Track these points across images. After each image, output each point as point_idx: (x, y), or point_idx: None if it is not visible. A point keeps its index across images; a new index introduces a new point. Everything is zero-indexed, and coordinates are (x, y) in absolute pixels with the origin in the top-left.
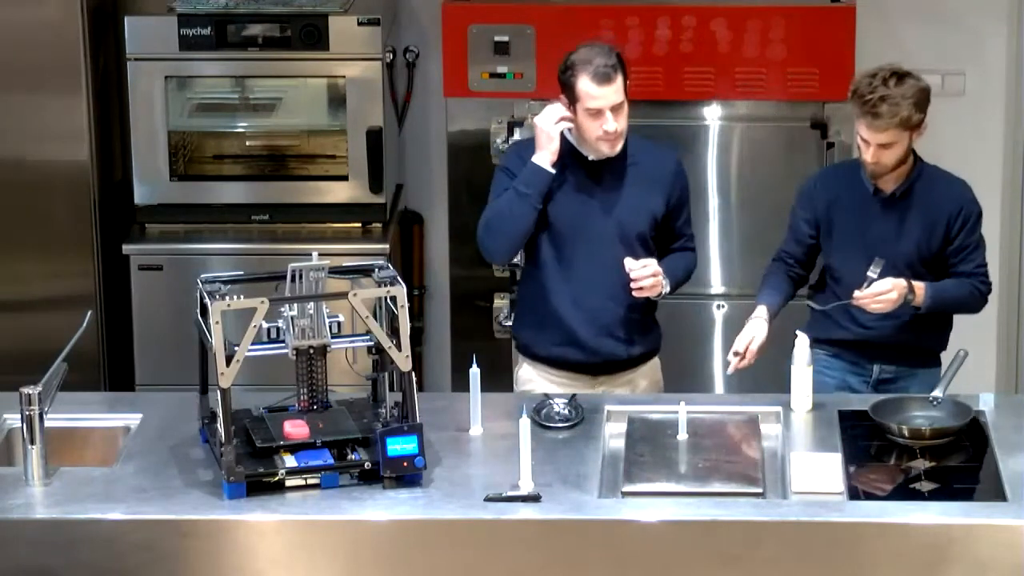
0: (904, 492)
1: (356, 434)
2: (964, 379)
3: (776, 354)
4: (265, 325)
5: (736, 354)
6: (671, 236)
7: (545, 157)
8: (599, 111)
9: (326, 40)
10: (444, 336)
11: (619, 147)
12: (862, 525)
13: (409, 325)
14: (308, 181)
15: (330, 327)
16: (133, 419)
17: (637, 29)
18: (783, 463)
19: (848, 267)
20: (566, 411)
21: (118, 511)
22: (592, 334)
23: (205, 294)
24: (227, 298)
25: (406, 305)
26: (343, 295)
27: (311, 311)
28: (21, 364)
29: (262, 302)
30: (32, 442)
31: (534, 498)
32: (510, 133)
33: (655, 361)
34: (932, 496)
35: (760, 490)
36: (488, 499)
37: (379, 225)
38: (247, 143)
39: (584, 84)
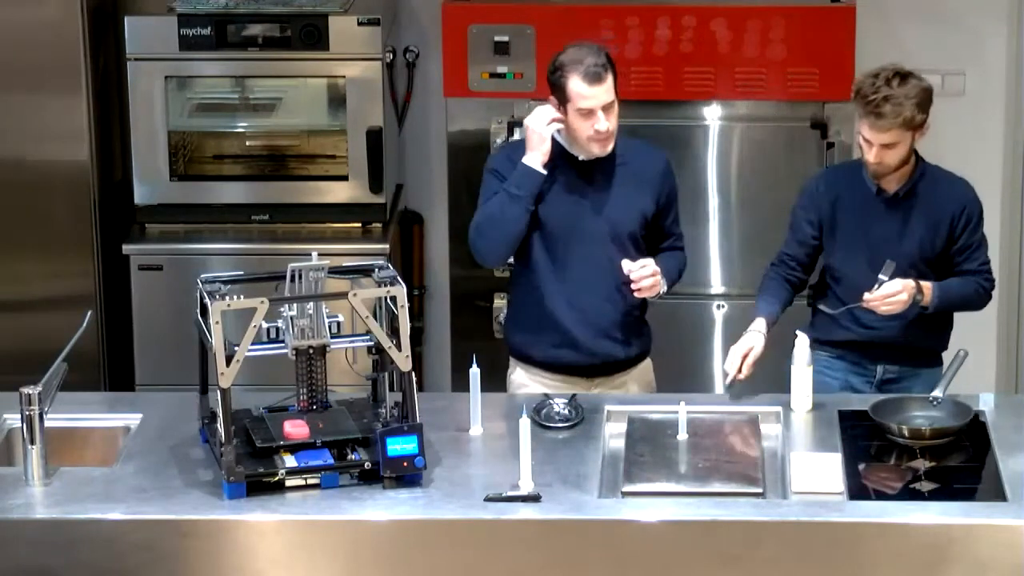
0: (904, 492)
1: (356, 434)
2: (964, 379)
3: (776, 354)
4: (265, 325)
5: (733, 367)
6: (661, 235)
7: (536, 158)
8: (590, 111)
9: (326, 40)
10: (444, 336)
11: (610, 147)
12: (862, 525)
13: (409, 325)
14: (308, 181)
15: (330, 327)
16: (133, 419)
17: (637, 29)
18: (783, 463)
19: (851, 268)
20: (566, 411)
21: (118, 511)
22: (589, 335)
23: (205, 294)
24: (227, 298)
25: (406, 305)
26: (343, 295)
27: (311, 311)
28: (21, 364)
29: (262, 302)
30: (32, 442)
31: (534, 498)
32: (510, 133)
33: (648, 362)
34: (932, 496)
35: (760, 490)
36: (488, 499)
37: (379, 225)
38: (247, 143)
39: (575, 84)
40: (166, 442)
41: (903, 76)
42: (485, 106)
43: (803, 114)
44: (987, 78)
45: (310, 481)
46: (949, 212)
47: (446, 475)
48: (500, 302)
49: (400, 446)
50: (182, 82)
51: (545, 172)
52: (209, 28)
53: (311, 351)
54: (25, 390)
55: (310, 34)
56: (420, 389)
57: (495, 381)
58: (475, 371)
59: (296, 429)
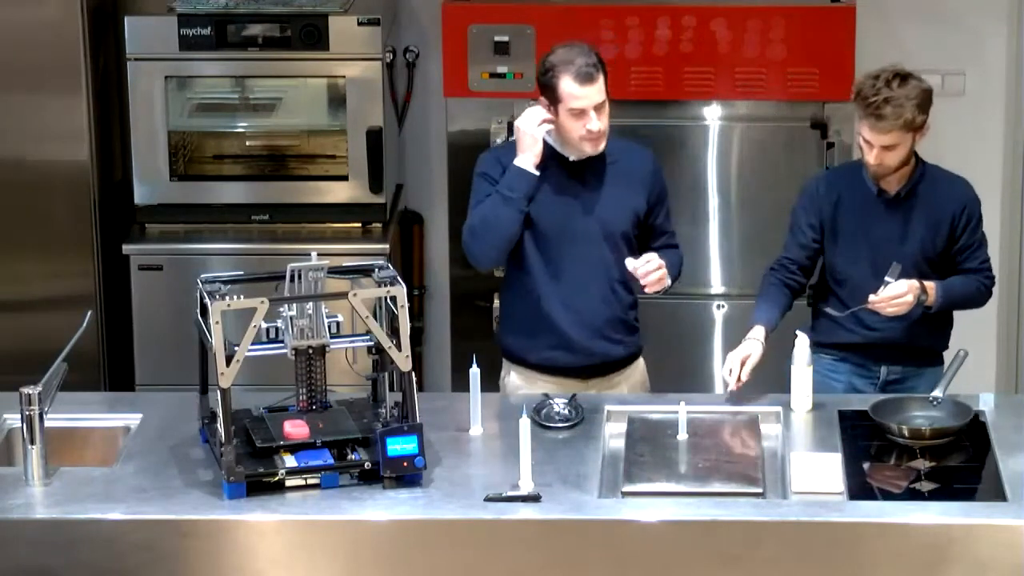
0: (904, 492)
1: (356, 434)
2: (964, 379)
3: (776, 354)
4: (264, 325)
5: (731, 373)
6: (654, 234)
7: (529, 159)
8: (582, 111)
9: (326, 40)
10: (444, 336)
11: (602, 146)
12: (862, 525)
13: (409, 325)
14: (308, 181)
15: (329, 327)
16: (133, 419)
17: (637, 29)
18: (783, 463)
19: (853, 270)
20: (566, 411)
21: (118, 511)
22: (585, 336)
23: (205, 294)
24: (227, 298)
25: (406, 305)
26: (343, 295)
27: (310, 311)
28: (21, 364)
29: (262, 302)
30: (32, 442)
31: (534, 498)
32: (510, 133)
33: (641, 362)
34: (932, 496)
35: (760, 490)
36: (488, 499)
37: (379, 225)
38: (247, 143)
39: (567, 84)
40: (166, 442)
41: (903, 77)
42: (485, 106)
43: (803, 114)
44: (987, 78)
45: (310, 481)
46: (950, 212)
47: (446, 475)
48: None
49: (400, 446)
50: (182, 82)
51: (538, 173)
52: (209, 28)
53: (310, 351)
54: (25, 390)
55: (310, 34)
56: (420, 389)
57: (495, 381)
58: (475, 371)
59: (296, 429)
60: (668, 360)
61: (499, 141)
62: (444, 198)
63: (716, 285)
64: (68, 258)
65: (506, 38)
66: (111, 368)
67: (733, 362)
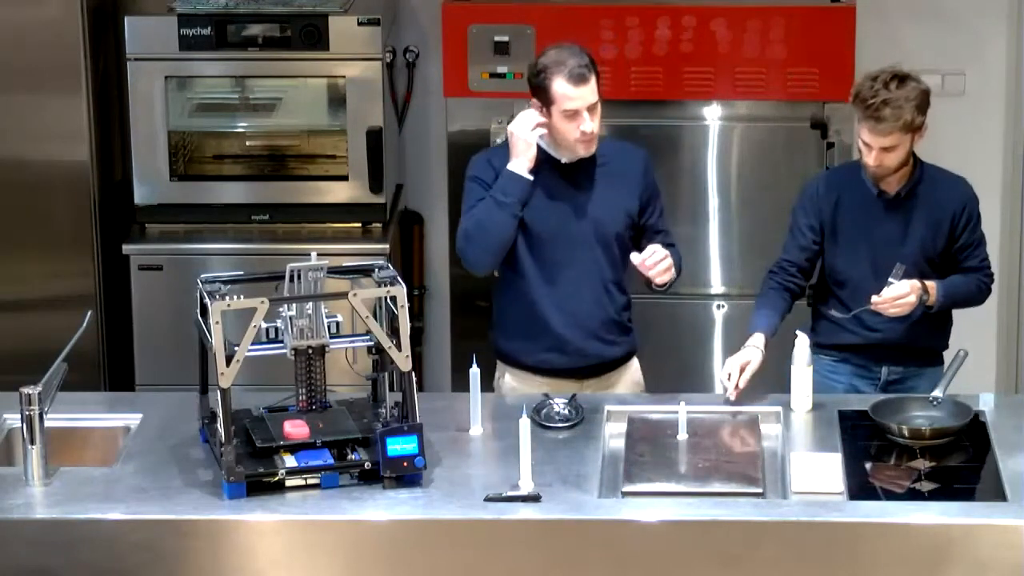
0: (904, 492)
1: (356, 434)
2: (964, 379)
3: (776, 354)
4: (264, 325)
5: (730, 378)
6: (647, 233)
7: (522, 164)
8: (576, 112)
9: (326, 40)
10: (444, 336)
11: (594, 148)
12: (862, 525)
13: (409, 325)
14: (308, 181)
15: (329, 327)
16: (133, 419)
17: (637, 29)
18: (783, 463)
19: (855, 271)
20: (566, 411)
21: (118, 511)
22: (579, 338)
23: (205, 294)
24: (227, 298)
25: (406, 305)
26: (343, 295)
27: (309, 311)
28: (21, 364)
29: (262, 302)
30: (32, 442)
31: (534, 498)
32: None
33: (635, 361)
34: (932, 496)
35: (760, 490)
36: (488, 499)
37: (379, 225)
38: (247, 143)
39: (560, 86)
40: (166, 442)
41: (901, 78)
42: (485, 106)
43: (803, 114)
44: (987, 78)
45: (310, 481)
46: (950, 211)
47: (446, 475)
48: None
49: (400, 446)
50: (182, 82)
51: (532, 178)
52: (209, 28)
53: (310, 351)
54: (25, 390)
55: (310, 34)
56: (420, 389)
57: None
58: (475, 371)
59: (296, 429)
60: (668, 360)
61: (499, 141)
62: (444, 198)
63: (716, 285)
64: (68, 258)
65: (506, 38)
66: (111, 368)
67: (732, 367)
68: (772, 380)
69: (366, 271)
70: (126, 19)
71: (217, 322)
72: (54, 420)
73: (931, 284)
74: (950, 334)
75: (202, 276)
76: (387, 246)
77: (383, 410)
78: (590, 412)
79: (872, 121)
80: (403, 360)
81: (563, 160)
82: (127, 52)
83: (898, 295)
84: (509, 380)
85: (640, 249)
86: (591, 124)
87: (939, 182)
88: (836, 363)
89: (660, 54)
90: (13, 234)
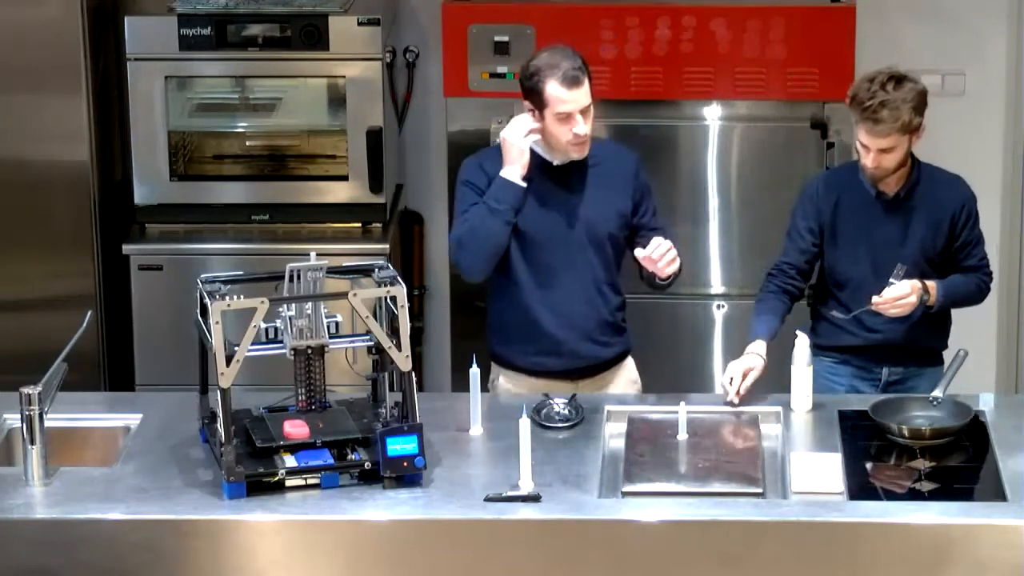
0: (904, 492)
1: (356, 434)
2: (964, 379)
3: (776, 354)
4: (264, 325)
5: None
6: (642, 232)
7: (516, 171)
8: (569, 115)
9: (326, 40)
10: (444, 336)
11: (587, 150)
12: (862, 525)
13: (409, 325)
14: (308, 181)
15: (328, 327)
16: (133, 419)
17: (637, 29)
18: (783, 463)
19: (855, 272)
20: (566, 411)
21: (118, 511)
22: (574, 340)
23: (205, 294)
24: (227, 298)
25: (406, 305)
26: (343, 295)
27: (309, 311)
28: (21, 364)
29: (262, 302)
30: (32, 442)
31: (534, 498)
32: None
33: (630, 360)
34: (932, 496)
35: (760, 490)
36: (488, 499)
37: (379, 225)
38: (247, 143)
39: (553, 88)
40: (166, 442)
41: (898, 80)
42: (485, 106)
43: (803, 114)
44: (987, 78)
45: (310, 481)
46: (950, 210)
47: (446, 475)
48: None
49: (400, 446)
50: (182, 82)
51: (525, 185)
52: (209, 28)
53: (309, 351)
54: (25, 390)
55: (310, 34)
56: (420, 389)
57: None
58: (475, 371)
59: (296, 429)
60: (668, 360)
61: (499, 141)
62: (444, 198)
63: (716, 285)
64: (68, 258)
65: (506, 38)
66: (111, 368)
67: (735, 371)
68: (772, 380)
69: (366, 271)
70: (126, 19)
71: (217, 322)
72: (54, 420)
73: (931, 284)
74: (949, 334)
75: (202, 276)
76: (387, 246)
77: (383, 410)
78: (590, 412)
79: (870, 123)
80: (403, 360)
81: (555, 162)
82: (127, 52)
83: (899, 295)
84: (503, 382)
85: (635, 248)
86: (584, 127)
87: (937, 182)
88: (836, 365)
89: (660, 54)
90: (13, 234)
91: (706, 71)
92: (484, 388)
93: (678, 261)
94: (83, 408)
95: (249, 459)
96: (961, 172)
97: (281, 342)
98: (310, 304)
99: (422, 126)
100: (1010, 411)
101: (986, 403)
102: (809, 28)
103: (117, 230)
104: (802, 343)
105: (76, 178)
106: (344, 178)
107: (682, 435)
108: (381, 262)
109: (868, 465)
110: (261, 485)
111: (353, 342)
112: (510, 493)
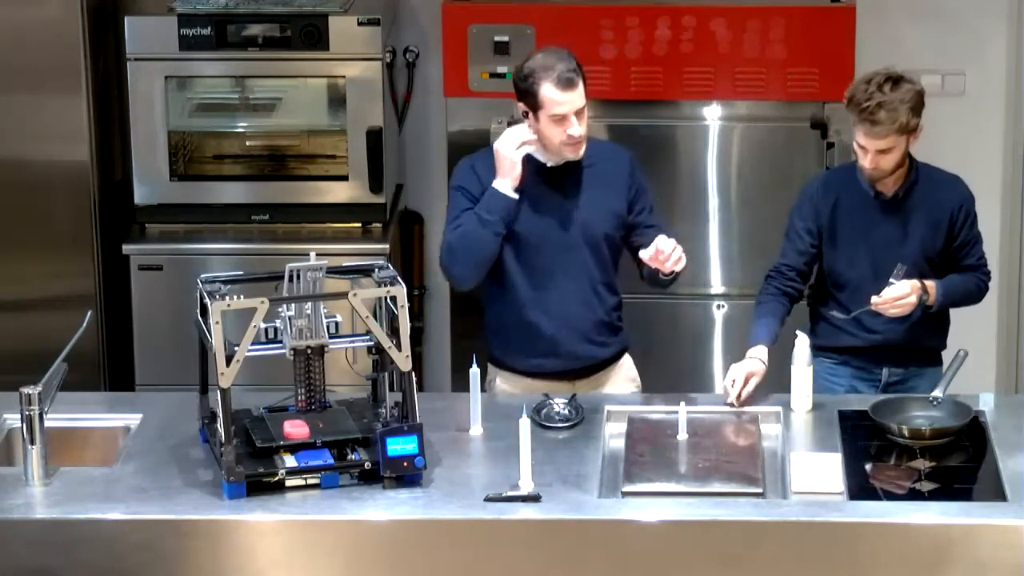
0: (904, 492)
1: (356, 434)
2: (964, 379)
3: (776, 354)
4: (263, 325)
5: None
6: (639, 230)
7: (507, 184)
8: (563, 117)
9: (326, 40)
10: (444, 336)
11: (582, 151)
12: (862, 525)
13: (409, 325)
14: (308, 181)
15: (328, 327)
16: (133, 419)
17: (637, 29)
18: (783, 463)
19: (855, 273)
20: (566, 411)
21: (118, 511)
22: (571, 341)
23: (205, 294)
24: (227, 298)
25: (406, 305)
26: (343, 295)
27: (308, 311)
28: (21, 364)
29: (262, 302)
30: (32, 442)
31: (534, 498)
32: None
33: (628, 358)
34: (932, 496)
35: (760, 490)
36: (488, 499)
37: (379, 225)
38: (247, 143)
39: (548, 90)
40: (166, 442)
41: (895, 80)
42: (485, 106)
43: (803, 114)
44: (987, 78)
45: (310, 481)
46: (948, 210)
47: (446, 475)
48: None
49: (400, 446)
50: (182, 82)
51: (516, 196)
52: (209, 28)
53: (309, 351)
54: (25, 390)
55: (310, 34)
56: (420, 389)
57: None
58: (475, 371)
59: (296, 429)
60: (668, 360)
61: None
62: (444, 198)
63: (716, 285)
64: (68, 258)
65: (506, 38)
66: (111, 368)
67: (737, 374)
68: (772, 380)
69: (366, 271)
70: (126, 19)
71: (217, 322)
72: (54, 420)
73: (930, 284)
74: (949, 334)
75: (202, 276)
76: (387, 246)
77: (383, 410)
78: (590, 412)
79: (867, 124)
80: (403, 360)
81: (549, 164)
82: (127, 52)
83: (898, 295)
84: (500, 383)
85: (632, 247)
86: (579, 128)
87: (935, 182)
88: (836, 365)
89: (660, 54)
90: (13, 234)
91: (706, 71)
92: (484, 388)
93: (684, 259)
94: (83, 408)
95: (249, 459)
96: (961, 172)
97: (281, 342)
98: (310, 304)
99: (422, 126)
100: (1010, 411)
101: (986, 403)
102: (809, 28)
103: (117, 230)
104: (802, 343)
105: (76, 178)
106: (344, 178)
107: (682, 435)
108: (381, 262)
109: (868, 465)
110: (261, 485)
111: (353, 342)
112: (510, 493)
